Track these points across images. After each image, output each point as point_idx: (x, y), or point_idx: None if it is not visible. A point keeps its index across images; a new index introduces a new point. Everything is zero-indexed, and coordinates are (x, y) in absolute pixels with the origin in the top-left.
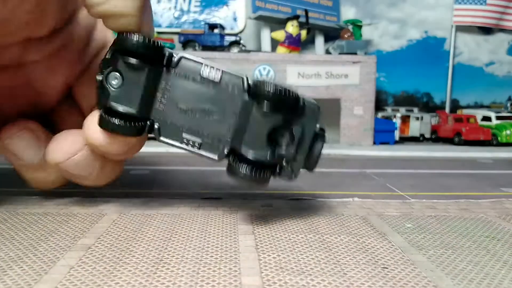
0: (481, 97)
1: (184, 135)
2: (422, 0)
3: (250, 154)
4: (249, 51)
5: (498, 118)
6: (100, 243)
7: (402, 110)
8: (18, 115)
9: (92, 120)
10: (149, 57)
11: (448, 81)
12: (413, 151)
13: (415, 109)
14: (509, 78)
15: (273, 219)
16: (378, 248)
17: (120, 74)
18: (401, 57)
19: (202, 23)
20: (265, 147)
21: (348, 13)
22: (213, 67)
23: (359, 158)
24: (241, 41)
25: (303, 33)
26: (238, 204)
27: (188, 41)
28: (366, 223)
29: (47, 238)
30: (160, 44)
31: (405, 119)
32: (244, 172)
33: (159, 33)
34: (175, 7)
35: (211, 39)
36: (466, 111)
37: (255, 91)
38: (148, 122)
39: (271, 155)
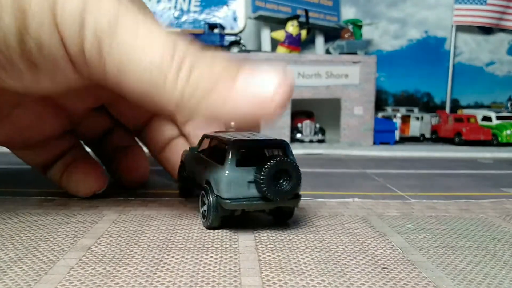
0: (481, 97)
1: None
2: (423, 0)
3: None
4: (249, 51)
5: (498, 118)
6: (100, 243)
7: (402, 110)
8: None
9: None
10: None
11: (449, 81)
12: (413, 151)
13: (415, 109)
14: (510, 78)
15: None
16: (378, 249)
17: None
18: (401, 57)
19: (202, 23)
20: None
21: (348, 13)
22: None
23: (359, 158)
24: (241, 41)
25: (303, 33)
26: None
27: None
28: (366, 223)
29: (47, 238)
30: None
31: (405, 119)
32: None
33: None
34: (175, 7)
35: (211, 39)
36: (466, 111)
37: None
38: None
39: None
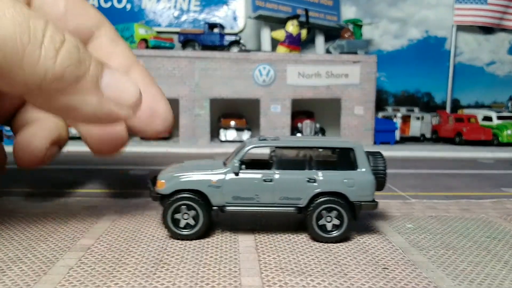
0: (482, 96)
1: None
2: (423, 0)
3: None
4: (249, 51)
5: (499, 118)
6: (99, 243)
7: (403, 110)
8: None
9: None
10: None
11: (449, 80)
12: (413, 151)
13: (416, 109)
14: (510, 78)
15: (273, 219)
16: (378, 249)
17: None
18: (402, 57)
19: (202, 22)
20: None
21: (348, 12)
22: None
23: None
24: (241, 41)
25: (303, 32)
26: None
27: (187, 41)
28: (366, 223)
29: (46, 238)
30: None
31: (405, 119)
32: None
33: (158, 32)
34: (175, 6)
35: (211, 38)
36: (467, 111)
37: None
38: None
39: None
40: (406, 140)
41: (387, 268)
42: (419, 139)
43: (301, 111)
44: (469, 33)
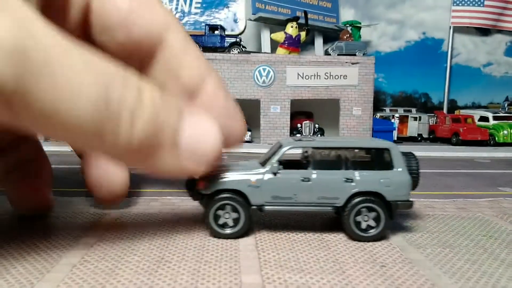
0: (478, 97)
1: None
2: (420, 2)
3: None
4: (249, 52)
5: (495, 118)
6: (102, 241)
7: (400, 111)
8: None
9: None
10: None
11: (446, 81)
12: (411, 151)
13: (413, 110)
14: (507, 79)
15: (273, 218)
16: (376, 247)
17: None
18: (400, 58)
19: (203, 24)
20: None
21: (347, 14)
22: None
23: None
24: (241, 42)
25: (303, 34)
26: None
27: None
28: None
29: (50, 237)
30: None
31: (403, 119)
32: None
33: None
34: (176, 8)
35: (211, 40)
36: (463, 112)
37: None
38: None
39: None
40: (403, 140)
41: (385, 266)
42: (416, 139)
43: (300, 111)
44: (466, 34)
